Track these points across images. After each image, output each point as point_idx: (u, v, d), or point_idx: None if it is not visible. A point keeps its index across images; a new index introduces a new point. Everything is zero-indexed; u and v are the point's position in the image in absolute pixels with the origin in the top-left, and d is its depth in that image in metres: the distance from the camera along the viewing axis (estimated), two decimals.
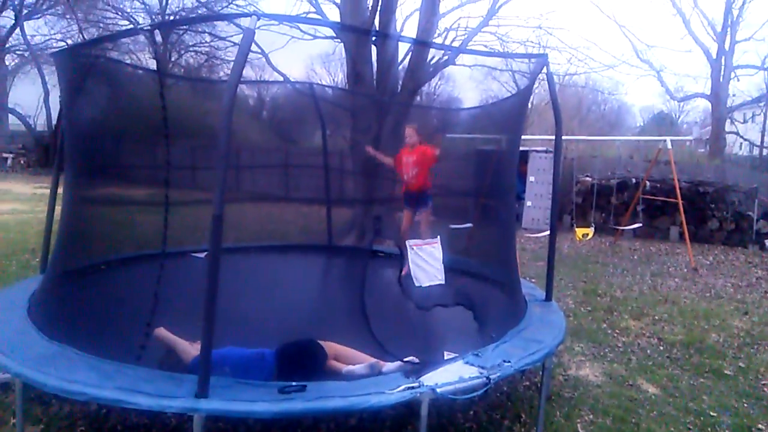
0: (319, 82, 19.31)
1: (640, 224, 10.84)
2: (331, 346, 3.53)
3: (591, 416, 4.02)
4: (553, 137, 4.61)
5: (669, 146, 10.04)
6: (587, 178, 12.95)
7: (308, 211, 9.74)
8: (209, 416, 2.69)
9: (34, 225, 10.46)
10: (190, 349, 3.44)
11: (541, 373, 3.81)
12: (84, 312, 3.90)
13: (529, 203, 12.98)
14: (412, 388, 2.85)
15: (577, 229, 9.92)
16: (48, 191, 5.00)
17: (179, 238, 4.35)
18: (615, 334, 5.83)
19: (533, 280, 6.51)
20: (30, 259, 7.93)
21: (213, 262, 2.69)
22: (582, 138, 16.53)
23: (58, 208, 4.86)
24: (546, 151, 12.91)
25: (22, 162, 24.27)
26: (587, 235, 9.90)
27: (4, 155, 24.29)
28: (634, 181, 12.57)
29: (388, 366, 3.31)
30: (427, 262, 3.80)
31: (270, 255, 6.74)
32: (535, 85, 5.41)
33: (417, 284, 3.71)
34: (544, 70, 4.35)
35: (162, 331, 3.54)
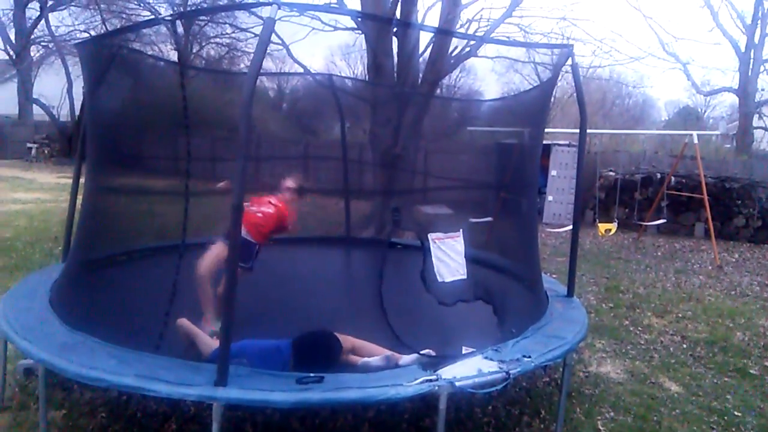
0: (339, 74, 19.27)
1: (665, 220, 10.65)
2: (347, 339, 3.51)
3: (612, 413, 3.97)
4: (576, 131, 4.52)
5: (695, 141, 9.84)
6: (611, 173, 12.76)
7: (327, 203, 9.73)
8: (228, 405, 2.69)
9: (57, 214, 10.62)
10: (211, 341, 3.45)
11: (561, 369, 3.76)
12: (104, 301, 3.93)
13: (550, 198, 12.85)
14: (430, 381, 2.82)
15: (599, 225, 9.79)
16: (71, 181, 5.05)
17: (198, 228, 4.36)
18: (637, 332, 5.74)
19: (554, 276, 6.43)
20: (53, 247, 8.06)
21: (232, 252, 2.69)
22: (606, 132, 16.31)
23: (80, 198, 4.92)
24: (569, 145, 12.75)
25: (45, 152, 24.64)
26: (610, 230, 9.77)
27: (29, 145, 24.68)
28: (658, 176, 12.34)
29: (405, 359, 3.28)
30: (449, 256, 3.72)
31: (287, 246, 6.74)
32: (559, 78, 5.30)
33: (439, 279, 3.64)
34: (569, 61, 4.27)
35: (184, 322, 3.55)
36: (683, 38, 39.03)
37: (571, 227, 5.12)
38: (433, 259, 3.78)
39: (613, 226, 9.77)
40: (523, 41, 10.54)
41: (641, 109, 34.98)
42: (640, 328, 5.83)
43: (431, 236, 3.89)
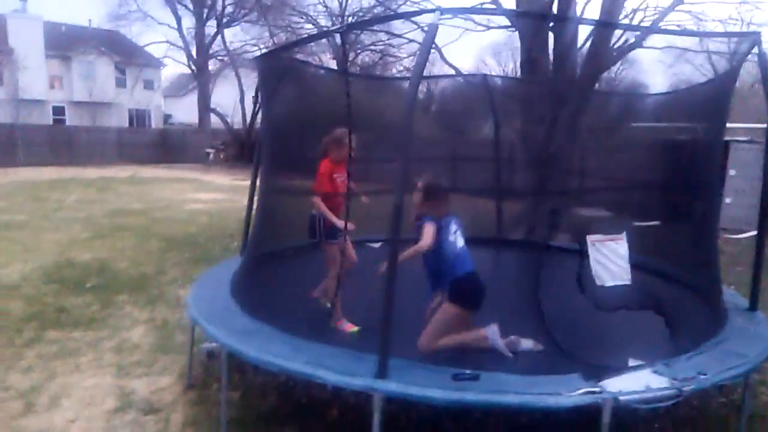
0: (491, 73, 19.06)
1: None
2: None
3: None
4: (759, 126, 4.04)
5: None
6: None
7: (475, 203, 9.64)
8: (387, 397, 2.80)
9: (233, 212, 11.74)
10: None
11: (741, 390, 3.39)
12: (277, 293, 4.28)
13: (728, 200, 11.58)
14: (593, 392, 2.70)
15: None
16: (243, 182, 5.55)
17: (358, 226, 4.58)
18: None
19: (733, 287, 5.80)
20: (229, 242, 8.91)
21: (393, 248, 2.79)
22: None
23: (256, 198, 5.40)
24: (750, 142, 11.40)
25: (221, 156, 27.41)
26: None
27: (207, 150, 27.63)
28: None
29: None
30: (610, 259, 3.53)
31: None
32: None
33: (598, 283, 3.47)
34: (755, 50, 3.84)
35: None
36: None
37: (752, 233, 4.58)
38: (591, 261, 3.60)
39: None
40: (697, 30, 9.65)
41: None
42: None
43: (590, 238, 3.71)
